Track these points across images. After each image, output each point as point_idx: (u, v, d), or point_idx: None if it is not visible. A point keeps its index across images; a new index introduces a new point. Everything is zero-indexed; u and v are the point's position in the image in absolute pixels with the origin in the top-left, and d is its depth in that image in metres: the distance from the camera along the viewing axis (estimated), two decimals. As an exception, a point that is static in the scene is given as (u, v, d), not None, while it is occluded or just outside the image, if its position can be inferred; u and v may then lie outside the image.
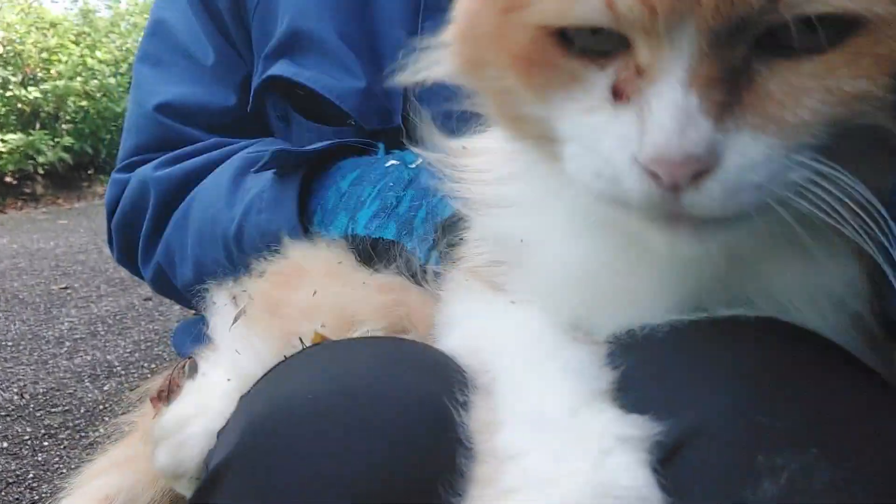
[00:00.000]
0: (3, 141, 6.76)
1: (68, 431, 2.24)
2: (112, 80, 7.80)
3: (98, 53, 7.91)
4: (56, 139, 7.18)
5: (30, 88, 7.11)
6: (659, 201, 0.44)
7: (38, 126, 7.15)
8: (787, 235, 0.46)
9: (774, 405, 0.46)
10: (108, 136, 7.64)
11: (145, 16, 7.56)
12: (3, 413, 2.36)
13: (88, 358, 2.82)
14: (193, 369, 0.77)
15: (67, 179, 7.38)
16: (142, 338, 3.03)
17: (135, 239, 1.10)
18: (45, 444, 2.17)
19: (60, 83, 7.25)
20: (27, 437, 2.21)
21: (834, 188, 0.43)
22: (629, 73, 0.44)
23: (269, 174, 0.95)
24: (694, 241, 0.46)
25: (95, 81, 7.62)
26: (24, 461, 2.07)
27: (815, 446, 0.44)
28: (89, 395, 2.48)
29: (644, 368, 0.51)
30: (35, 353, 2.88)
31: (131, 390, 0.93)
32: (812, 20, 0.40)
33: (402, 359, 0.61)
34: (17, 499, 1.89)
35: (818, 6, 0.40)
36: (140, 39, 1.20)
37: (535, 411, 0.50)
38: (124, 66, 7.89)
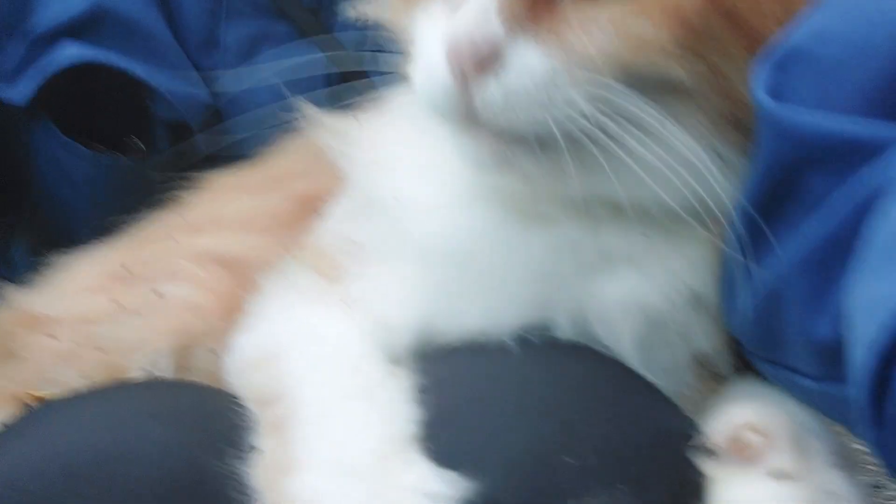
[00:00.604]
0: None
1: None
2: None
3: None
4: None
5: None
6: (453, 94, 0.48)
7: None
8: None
9: (581, 442, 0.47)
10: None
11: None
12: None
13: None
14: None
15: None
16: None
17: None
18: None
19: None
20: None
21: (643, 133, 0.45)
22: None
23: None
24: (494, 149, 0.49)
25: None
26: None
27: (621, 482, 0.45)
28: None
29: (456, 408, 0.50)
30: None
31: None
32: None
33: (148, 411, 0.55)
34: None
35: None
36: None
37: (339, 456, 0.48)
38: None
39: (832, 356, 0.41)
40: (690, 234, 0.51)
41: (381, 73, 0.64)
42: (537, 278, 0.53)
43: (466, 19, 0.46)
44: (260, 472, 0.49)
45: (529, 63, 0.46)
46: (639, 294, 0.52)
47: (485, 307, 0.54)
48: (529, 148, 0.48)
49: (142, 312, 0.69)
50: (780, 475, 0.46)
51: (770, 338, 0.48)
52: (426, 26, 0.52)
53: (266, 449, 0.50)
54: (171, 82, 0.95)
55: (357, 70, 1.03)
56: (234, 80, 1.02)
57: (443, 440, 0.48)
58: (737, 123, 0.48)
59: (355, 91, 0.99)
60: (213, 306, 0.69)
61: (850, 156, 0.40)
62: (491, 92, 0.46)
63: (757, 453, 0.47)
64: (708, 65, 0.46)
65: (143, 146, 0.97)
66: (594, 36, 0.46)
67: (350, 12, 0.63)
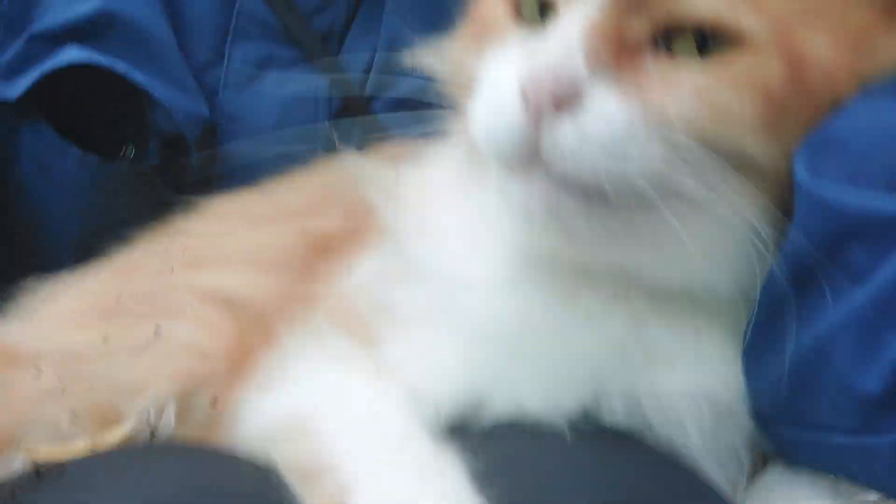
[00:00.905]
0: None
1: None
2: None
3: None
4: None
5: None
6: (520, 130, 0.45)
7: None
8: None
9: None
10: None
11: None
12: None
13: None
14: None
15: None
16: None
17: None
18: None
19: None
20: None
21: (709, 204, 0.45)
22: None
23: None
24: (548, 197, 0.46)
25: None
26: None
27: None
28: None
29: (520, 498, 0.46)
30: None
31: None
32: (700, 28, 0.45)
33: (194, 487, 0.50)
34: None
35: (698, 6, 0.44)
36: None
37: None
38: None
39: (876, 408, 0.43)
40: (729, 311, 0.50)
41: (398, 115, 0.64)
42: (589, 367, 0.51)
43: (550, 53, 0.45)
44: None
45: (609, 109, 0.44)
46: (700, 385, 0.50)
47: (537, 389, 0.51)
48: (587, 201, 0.46)
49: (139, 351, 0.65)
50: None
51: (803, 398, 0.47)
52: (497, 64, 0.50)
53: None
54: (172, 93, 0.93)
55: (359, 97, 1.02)
56: (237, 99, 1.00)
57: None
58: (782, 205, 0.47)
59: (361, 126, 0.98)
60: (217, 351, 0.64)
61: (891, 230, 0.42)
62: (564, 133, 0.44)
63: None
64: (782, 146, 0.45)
65: (135, 154, 0.95)
66: (675, 97, 0.44)
67: (407, 60, 0.60)
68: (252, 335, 0.66)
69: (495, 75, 0.49)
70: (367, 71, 1.03)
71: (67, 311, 0.72)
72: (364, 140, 1.01)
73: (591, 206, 0.46)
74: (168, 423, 0.62)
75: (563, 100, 0.44)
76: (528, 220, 0.49)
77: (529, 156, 0.46)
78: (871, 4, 0.47)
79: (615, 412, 0.51)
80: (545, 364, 0.52)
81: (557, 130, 0.44)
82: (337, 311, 0.60)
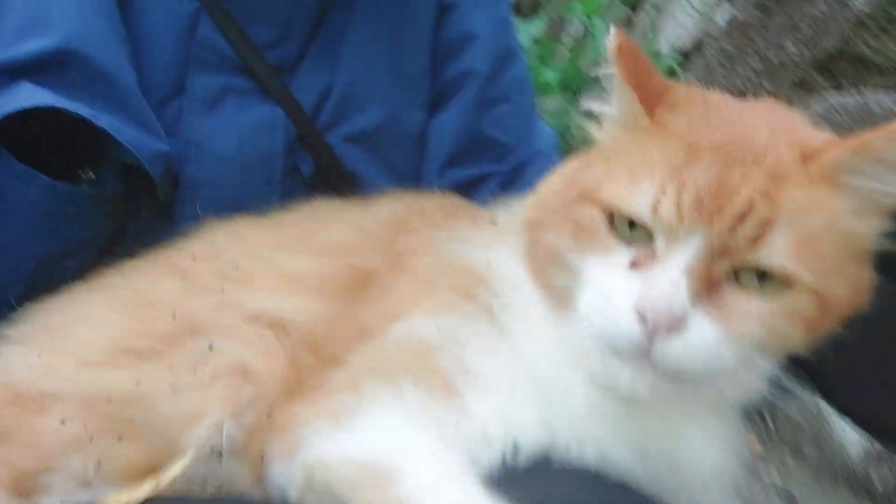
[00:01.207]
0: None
1: None
2: None
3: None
4: None
5: None
6: (638, 341, 0.64)
7: None
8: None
9: None
10: None
11: None
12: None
13: None
14: None
15: None
16: None
17: None
18: None
19: None
20: None
21: (758, 379, 0.70)
22: (647, 255, 0.66)
23: None
24: (652, 384, 0.66)
25: None
26: None
27: None
28: None
29: None
30: None
31: None
32: (763, 271, 0.64)
33: None
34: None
35: (769, 259, 0.64)
36: None
37: None
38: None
39: None
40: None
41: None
42: (636, 447, 0.72)
43: (664, 288, 0.63)
44: None
45: (704, 331, 0.63)
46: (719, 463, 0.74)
47: (593, 448, 0.71)
48: (679, 382, 0.66)
49: (184, 384, 0.68)
50: None
51: None
52: (601, 269, 0.67)
53: None
54: (135, 134, 0.94)
55: (312, 128, 1.09)
56: (198, 127, 1.04)
57: None
58: None
59: (315, 156, 1.07)
60: (268, 371, 0.71)
61: None
62: (673, 347, 0.63)
63: None
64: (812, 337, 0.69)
65: (93, 178, 0.96)
66: (746, 321, 0.64)
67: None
68: (302, 357, 0.73)
69: (604, 284, 0.67)
70: (319, 104, 1.10)
71: (87, 349, 0.72)
72: (317, 169, 1.09)
73: (680, 384, 0.66)
74: (228, 442, 0.68)
75: (673, 325, 0.62)
76: (633, 395, 0.67)
77: (641, 356, 0.64)
78: (865, 264, 0.68)
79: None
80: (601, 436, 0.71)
81: (668, 344, 0.63)
82: (416, 365, 0.70)
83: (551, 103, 3.95)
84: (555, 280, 0.72)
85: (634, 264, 0.66)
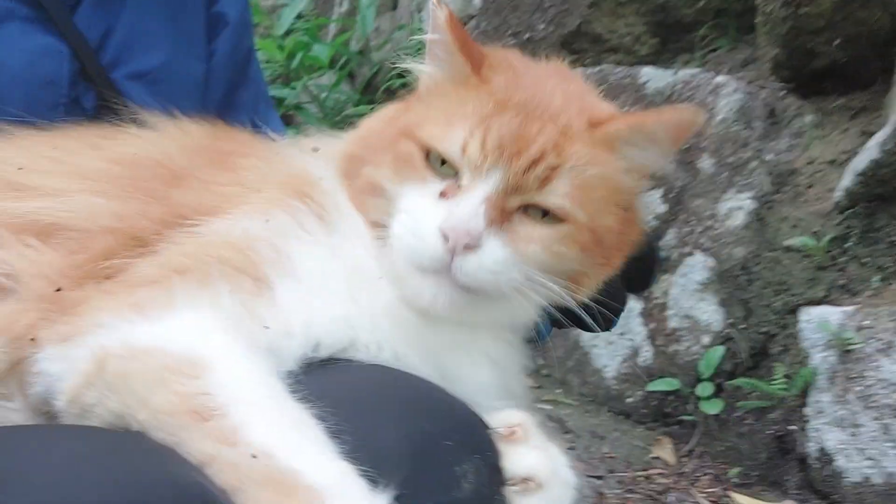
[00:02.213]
0: None
1: None
2: None
3: None
4: None
5: None
6: (441, 257, 0.74)
7: None
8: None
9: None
10: None
11: None
12: None
13: None
14: None
15: None
16: None
17: None
18: None
19: None
20: None
21: (543, 293, 0.78)
22: (454, 187, 0.78)
23: None
24: (450, 297, 0.76)
25: None
26: None
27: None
28: None
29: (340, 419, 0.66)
30: None
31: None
32: (546, 209, 0.78)
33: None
34: None
35: (551, 200, 0.77)
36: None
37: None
38: None
39: None
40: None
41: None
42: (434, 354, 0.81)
43: (465, 213, 0.74)
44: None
45: (496, 250, 0.75)
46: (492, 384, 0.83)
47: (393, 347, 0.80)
48: (472, 296, 0.76)
49: None
50: (536, 447, 0.75)
51: None
52: (414, 196, 0.78)
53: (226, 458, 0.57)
54: None
55: (97, 64, 1.07)
56: None
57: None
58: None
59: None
60: (35, 280, 0.69)
61: None
62: (469, 262, 0.74)
63: (521, 437, 0.75)
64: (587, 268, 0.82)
65: None
66: (530, 244, 0.77)
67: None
68: (92, 244, 0.72)
69: (415, 209, 0.77)
70: (102, 42, 1.10)
71: None
72: (100, 103, 1.07)
73: (473, 298, 0.76)
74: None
75: (471, 245, 0.74)
76: (422, 301, 0.76)
77: (441, 270, 0.75)
78: (632, 211, 0.84)
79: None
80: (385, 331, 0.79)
81: (465, 261, 0.74)
82: (233, 259, 0.71)
83: (323, 80, 3.99)
84: (371, 211, 0.81)
85: (443, 194, 0.77)
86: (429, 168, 0.78)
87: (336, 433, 0.62)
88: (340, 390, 0.68)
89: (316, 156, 0.87)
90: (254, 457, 0.57)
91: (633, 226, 0.84)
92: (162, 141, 0.85)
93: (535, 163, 0.75)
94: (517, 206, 0.76)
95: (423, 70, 0.87)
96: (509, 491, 0.73)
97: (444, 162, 0.78)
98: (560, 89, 0.82)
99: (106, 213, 0.74)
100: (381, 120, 0.87)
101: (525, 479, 0.73)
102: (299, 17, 4.17)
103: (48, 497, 0.52)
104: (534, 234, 0.76)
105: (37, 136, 0.84)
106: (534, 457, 0.74)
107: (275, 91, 3.49)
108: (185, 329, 0.65)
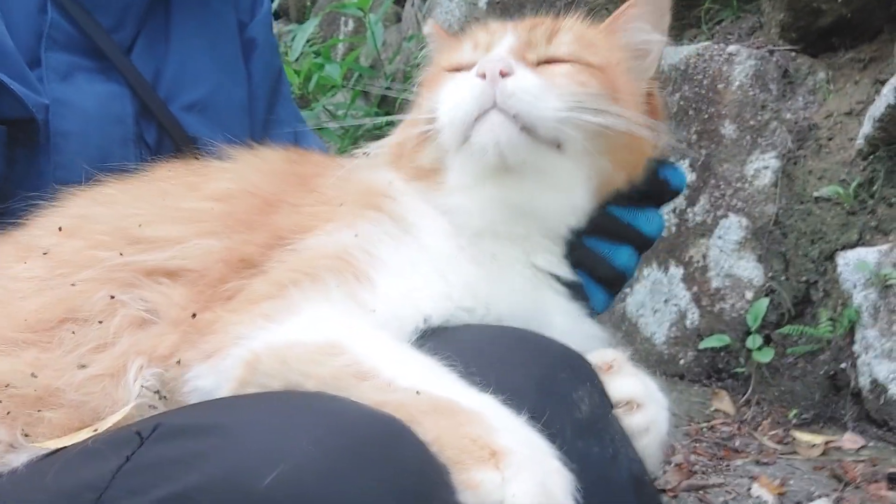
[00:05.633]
0: None
1: None
2: None
3: None
4: None
5: None
6: (482, 90, 0.82)
7: None
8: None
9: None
10: None
11: None
12: None
13: None
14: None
15: None
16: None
17: None
18: None
19: None
20: None
21: (585, 131, 0.84)
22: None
23: None
24: (507, 132, 0.82)
25: None
26: None
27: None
28: None
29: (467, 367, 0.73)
30: None
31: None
32: (560, 59, 0.89)
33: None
34: None
35: (562, 49, 0.89)
36: None
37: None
38: None
39: None
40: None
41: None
42: (505, 299, 0.87)
43: (493, 55, 0.86)
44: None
45: (528, 76, 0.84)
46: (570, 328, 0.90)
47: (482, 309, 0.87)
48: (525, 135, 0.82)
49: (89, 355, 0.74)
50: (631, 375, 0.85)
51: None
52: (452, 89, 0.86)
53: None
54: (19, 87, 1.04)
55: (155, 99, 1.19)
56: (60, 89, 1.13)
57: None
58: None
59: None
60: (169, 305, 0.78)
61: None
62: (508, 84, 0.82)
63: (617, 369, 0.85)
64: (619, 106, 0.87)
65: None
66: (556, 76, 0.86)
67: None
68: (211, 274, 0.80)
69: (454, 87, 0.85)
70: (155, 80, 1.24)
71: None
72: (162, 134, 1.19)
73: (528, 140, 0.82)
74: (162, 382, 0.74)
75: (505, 71, 0.82)
76: (487, 151, 0.82)
77: (487, 104, 0.81)
78: (635, 72, 0.94)
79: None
80: (482, 297, 0.86)
81: (505, 85, 0.81)
82: (336, 264, 0.80)
83: (337, 98, 4.10)
84: (423, 159, 0.89)
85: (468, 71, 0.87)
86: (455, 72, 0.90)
87: (466, 378, 0.71)
88: (460, 345, 0.77)
89: (375, 163, 0.96)
90: (417, 393, 0.66)
91: (655, 111, 0.94)
92: (246, 171, 0.94)
93: (537, 25, 0.91)
94: (535, 62, 0.87)
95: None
96: (616, 412, 0.84)
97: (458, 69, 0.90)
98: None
99: (218, 249, 0.83)
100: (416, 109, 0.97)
101: (627, 402, 0.83)
102: (307, 41, 4.30)
103: (274, 439, 0.61)
104: (556, 71, 0.86)
105: (144, 184, 0.94)
106: (631, 383, 0.84)
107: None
108: (313, 323, 0.75)
